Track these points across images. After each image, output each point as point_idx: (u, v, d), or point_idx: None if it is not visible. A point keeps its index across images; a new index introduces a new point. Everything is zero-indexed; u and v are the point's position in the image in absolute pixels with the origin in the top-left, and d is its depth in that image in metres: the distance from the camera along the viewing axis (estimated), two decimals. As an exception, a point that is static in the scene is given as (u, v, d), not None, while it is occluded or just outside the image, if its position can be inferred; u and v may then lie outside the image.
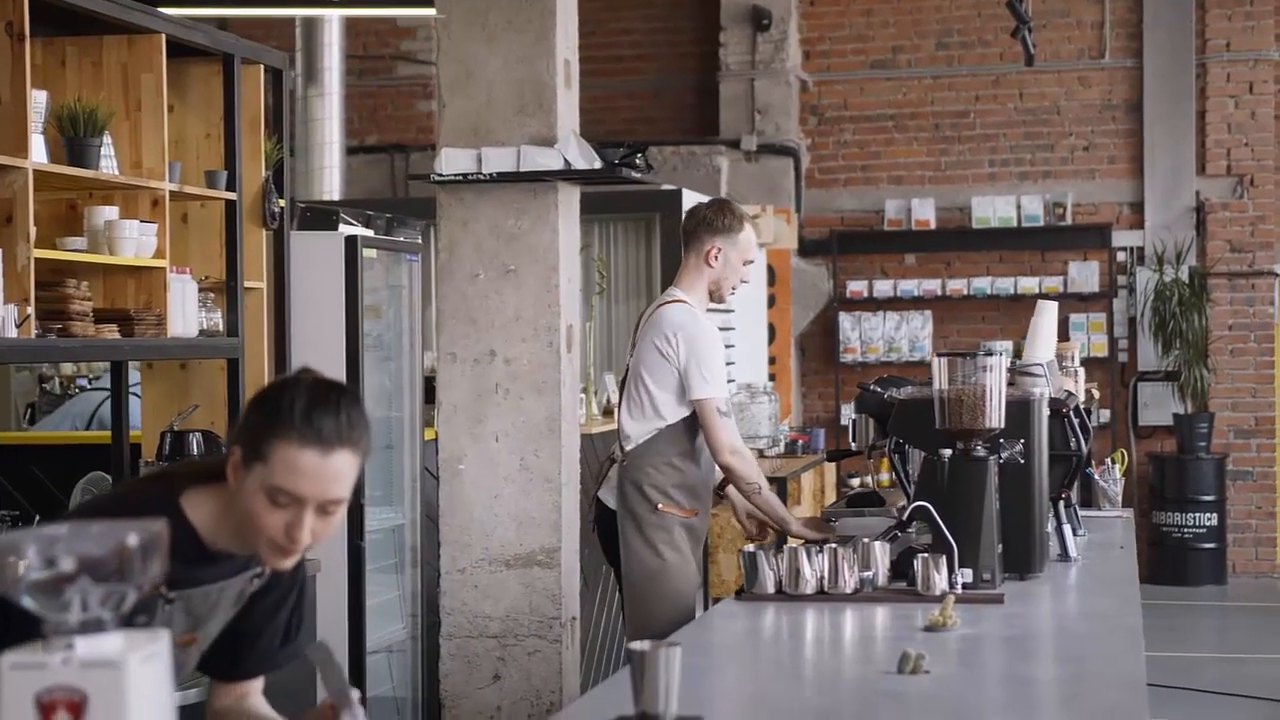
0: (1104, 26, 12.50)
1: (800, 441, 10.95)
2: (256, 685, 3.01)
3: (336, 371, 6.11)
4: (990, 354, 4.29)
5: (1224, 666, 9.47)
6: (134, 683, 1.74)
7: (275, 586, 2.87)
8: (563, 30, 5.64)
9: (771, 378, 12.07)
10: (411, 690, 6.74)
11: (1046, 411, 4.56)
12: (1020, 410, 4.40)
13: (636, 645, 2.67)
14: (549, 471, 5.61)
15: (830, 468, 11.10)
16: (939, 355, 4.32)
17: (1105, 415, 12.29)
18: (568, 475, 5.67)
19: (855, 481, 10.52)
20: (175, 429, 5.49)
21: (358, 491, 6.23)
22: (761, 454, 10.54)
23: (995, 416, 4.25)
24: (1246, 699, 8.31)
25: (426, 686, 6.67)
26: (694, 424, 5.13)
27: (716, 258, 5.19)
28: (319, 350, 6.06)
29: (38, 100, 4.66)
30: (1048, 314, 5.47)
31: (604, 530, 5.34)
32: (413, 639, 6.73)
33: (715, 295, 5.24)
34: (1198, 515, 11.98)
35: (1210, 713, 8.15)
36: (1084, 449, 4.84)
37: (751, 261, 5.26)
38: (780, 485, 9.14)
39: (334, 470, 2.57)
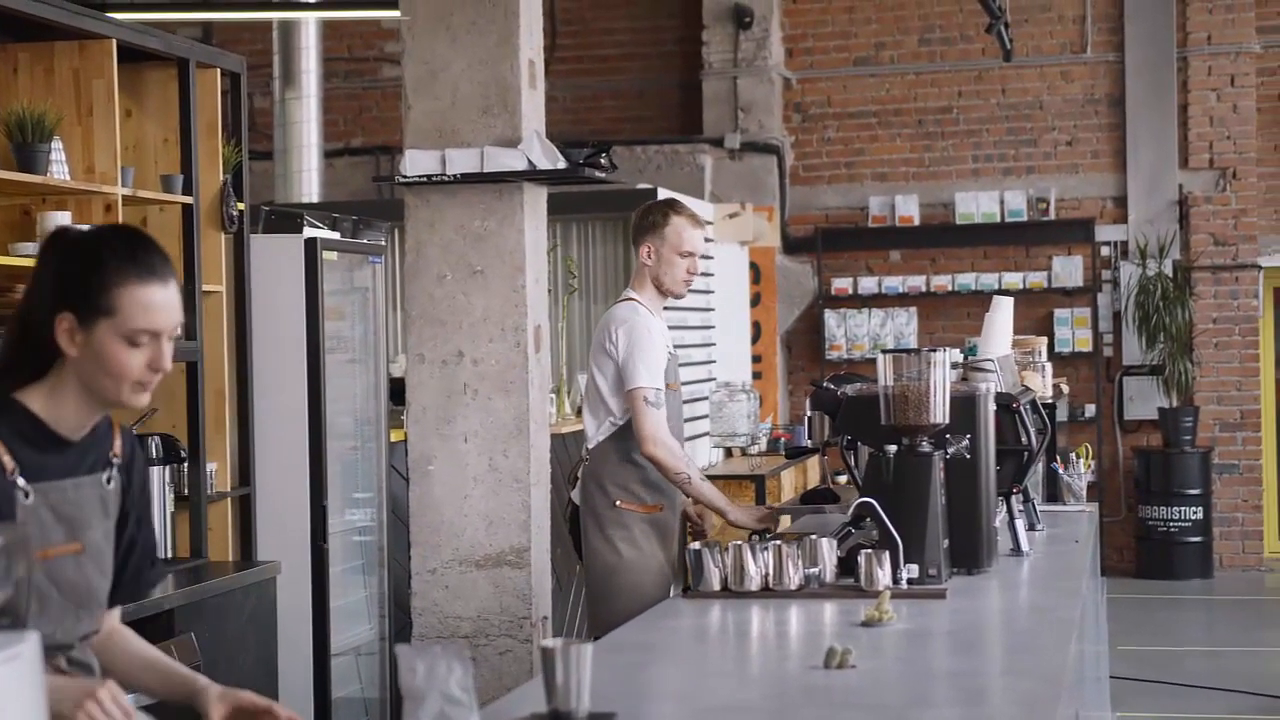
0: (1085, 21, 12.49)
1: (784, 439, 10.95)
2: (118, 616, 3.02)
3: (299, 374, 6.12)
4: (935, 350, 4.29)
5: (1210, 660, 9.46)
6: (-5, 684, 1.75)
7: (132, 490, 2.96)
8: (526, 31, 5.64)
9: (757, 375, 12.08)
10: (380, 690, 6.75)
11: (993, 407, 4.56)
12: (966, 405, 4.40)
13: (547, 643, 2.69)
14: (518, 471, 5.60)
15: (814, 465, 11.09)
16: (883, 352, 4.32)
17: (1090, 410, 12.29)
18: (537, 475, 5.67)
19: (843, 479, 10.48)
20: (135, 433, 5.48)
21: (318, 494, 6.22)
22: (744, 452, 10.55)
23: (940, 412, 4.26)
24: (1231, 693, 8.30)
25: (396, 687, 6.67)
26: None
27: (651, 255, 5.27)
28: (280, 352, 6.07)
29: (-18, 106, 4.68)
30: (1003, 310, 5.47)
31: (575, 528, 5.38)
32: (381, 640, 6.73)
33: (665, 291, 5.27)
34: (1184, 509, 11.96)
35: (1195, 705, 8.14)
36: (1034, 444, 4.84)
37: (690, 253, 5.27)
38: (758, 483, 9.15)
39: (174, 299, 2.76)
